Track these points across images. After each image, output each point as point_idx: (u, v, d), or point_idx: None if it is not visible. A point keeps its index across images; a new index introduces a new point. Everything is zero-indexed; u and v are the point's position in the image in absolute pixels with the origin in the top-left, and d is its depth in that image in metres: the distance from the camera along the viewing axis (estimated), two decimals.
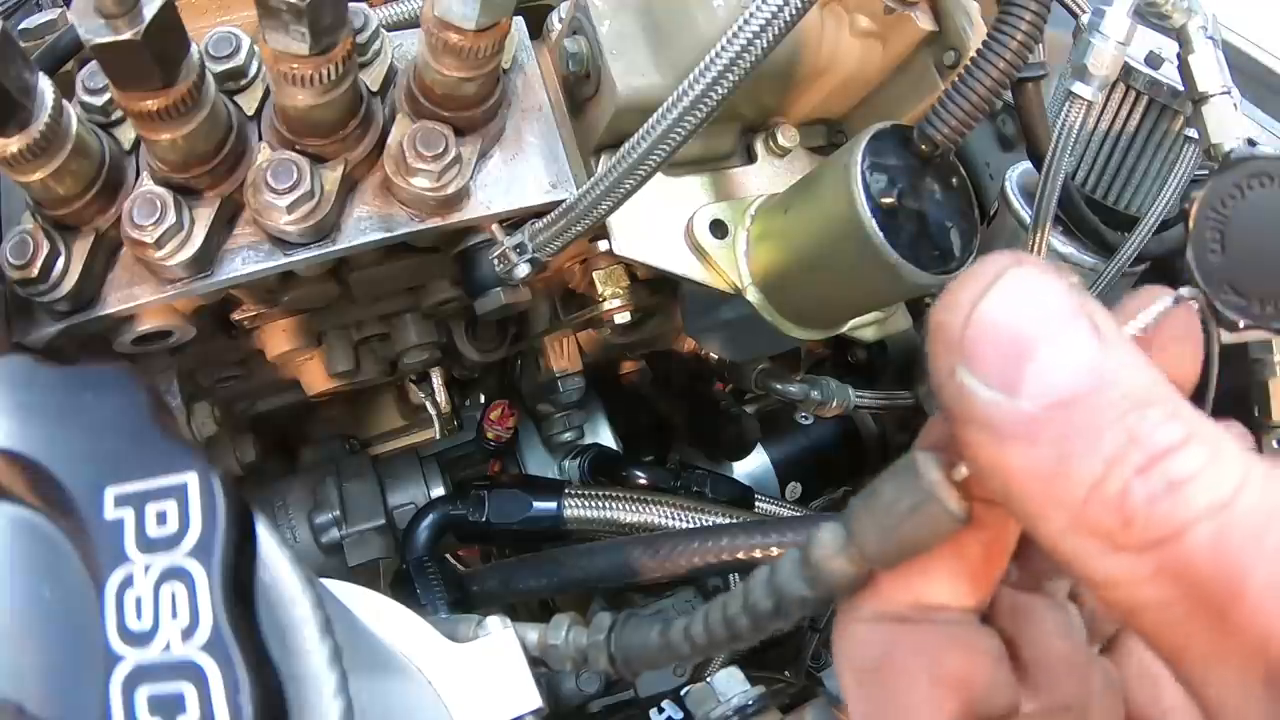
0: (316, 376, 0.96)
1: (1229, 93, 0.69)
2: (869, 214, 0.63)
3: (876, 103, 0.82)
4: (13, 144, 0.56)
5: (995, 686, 0.31)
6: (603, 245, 0.76)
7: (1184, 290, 0.32)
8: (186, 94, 0.58)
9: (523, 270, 0.73)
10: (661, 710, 0.90)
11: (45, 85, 0.57)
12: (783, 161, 0.83)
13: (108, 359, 0.72)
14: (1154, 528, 0.24)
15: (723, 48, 0.57)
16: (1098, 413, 0.25)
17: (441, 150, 0.67)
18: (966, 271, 0.28)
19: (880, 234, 0.63)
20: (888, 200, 0.64)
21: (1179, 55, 0.70)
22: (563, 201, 0.69)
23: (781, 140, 0.81)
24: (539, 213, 0.72)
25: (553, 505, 0.98)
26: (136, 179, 0.66)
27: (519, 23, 0.76)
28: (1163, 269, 0.88)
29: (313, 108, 0.62)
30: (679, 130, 0.59)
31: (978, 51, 0.60)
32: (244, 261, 0.69)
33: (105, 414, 0.33)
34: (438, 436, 1.13)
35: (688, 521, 0.95)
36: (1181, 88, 0.71)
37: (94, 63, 0.63)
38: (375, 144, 0.69)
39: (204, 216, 0.66)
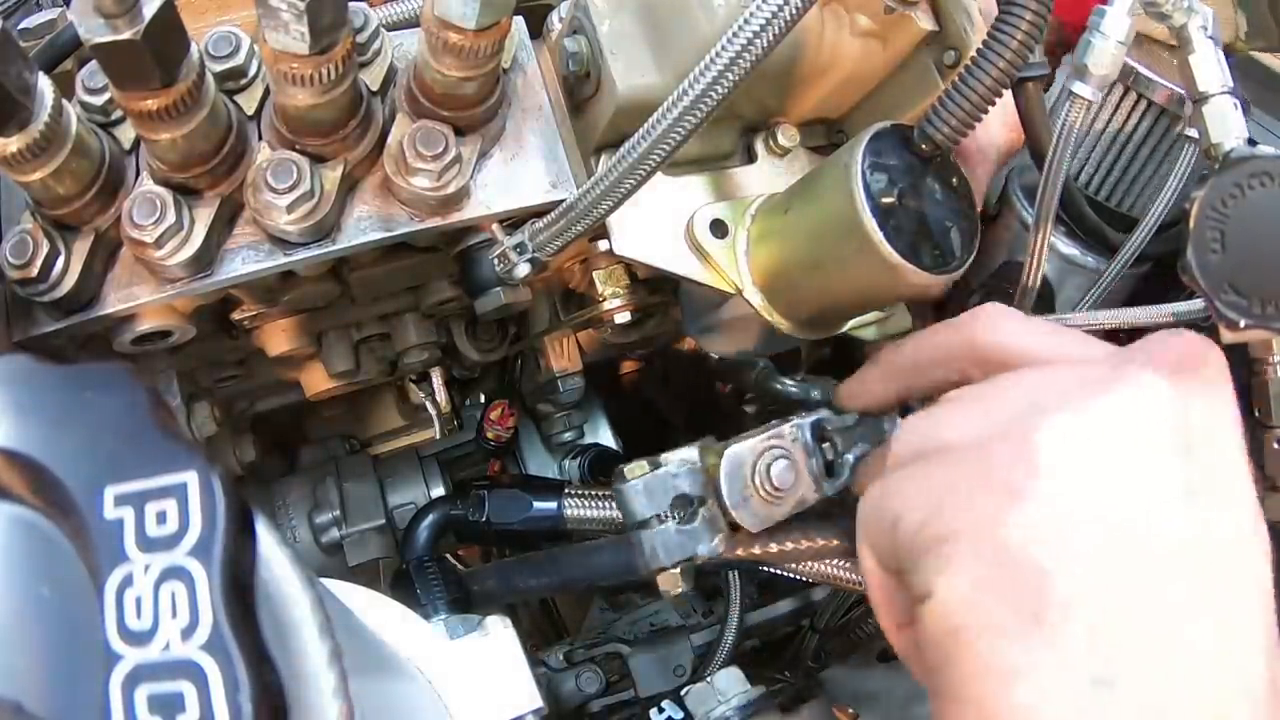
0: (316, 376, 0.96)
1: (1229, 92, 0.69)
2: (869, 214, 0.63)
3: (876, 103, 0.82)
4: (13, 144, 0.56)
5: None
6: (603, 245, 0.76)
7: None
8: (186, 94, 0.58)
9: (523, 270, 0.73)
10: (661, 710, 0.89)
11: (45, 85, 0.57)
12: (783, 161, 0.82)
13: (108, 359, 0.72)
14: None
15: (723, 47, 0.56)
16: None
17: (441, 150, 0.67)
18: None
19: (880, 234, 0.63)
20: (888, 200, 0.64)
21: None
22: (563, 201, 0.69)
23: (781, 140, 0.81)
24: (539, 212, 0.72)
25: (553, 505, 0.98)
26: (136, 179, 0.66)
27: (519, 23, 0.76)
28: (1166, 270, 0.88)
29: (313, 107, 0.62)
30: (679, 130, 0.59)
31: (978, 51, 0.60)
32: (244, 261, 0.69)
33: (105, 414, 0.33)
34: (438, 436, 1.13)
35: None
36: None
37: (94, 62, 0.63)
38: (375, 144, 0.69)
39: (204, 216, 0.65)
